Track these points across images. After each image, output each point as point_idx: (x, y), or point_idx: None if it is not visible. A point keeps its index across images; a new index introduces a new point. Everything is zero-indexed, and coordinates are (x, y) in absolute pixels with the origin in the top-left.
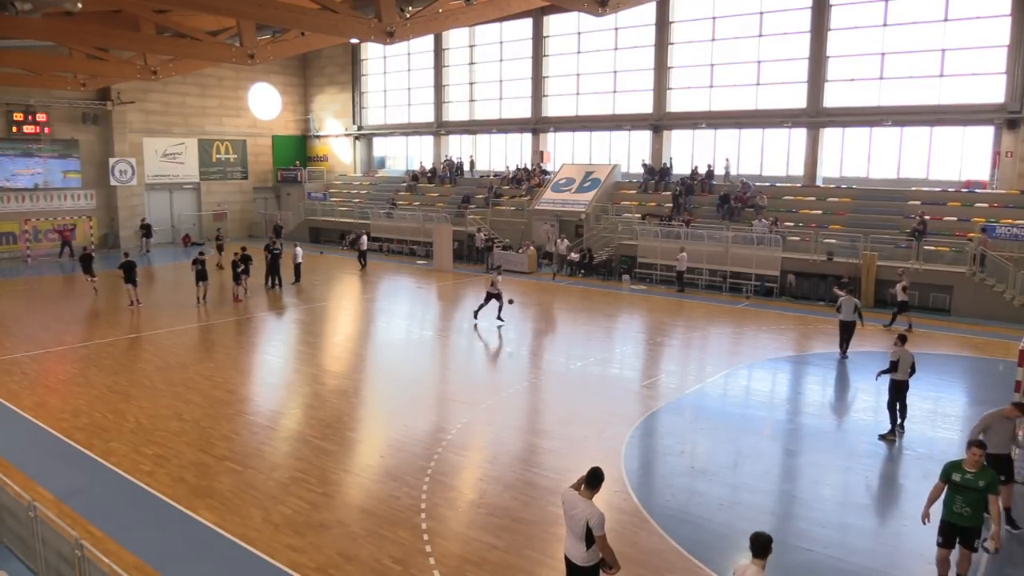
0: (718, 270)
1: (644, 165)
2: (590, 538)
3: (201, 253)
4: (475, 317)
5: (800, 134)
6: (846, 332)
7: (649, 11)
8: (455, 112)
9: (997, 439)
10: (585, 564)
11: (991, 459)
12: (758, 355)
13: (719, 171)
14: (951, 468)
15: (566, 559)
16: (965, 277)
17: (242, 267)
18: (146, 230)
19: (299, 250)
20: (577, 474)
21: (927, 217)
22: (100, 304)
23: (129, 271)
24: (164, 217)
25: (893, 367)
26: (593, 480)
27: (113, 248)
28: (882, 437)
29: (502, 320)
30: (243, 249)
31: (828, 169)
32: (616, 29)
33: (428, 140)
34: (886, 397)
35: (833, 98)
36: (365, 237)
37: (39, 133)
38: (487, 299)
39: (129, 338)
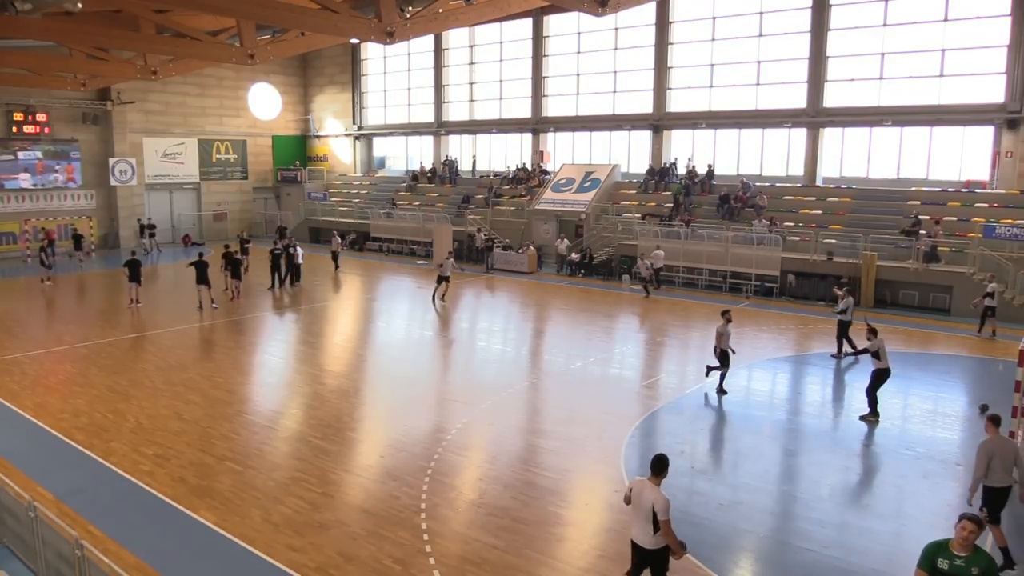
0: (718, 270)
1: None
2: (657, 522)
3: (200, 255)
4: (720, 392)
5: (800, 134)
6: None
7: (649, 11)
8: (455, 112)
9: (1000, 469)
10: (653, 547)
11: (993, 493)
12: (758, 355)
13: (681, 170)
14: (934, 552)
15: (633, 544)
16: (965, 277)
17: (245, 263)
18: (150, 230)
19: (299, 250)
20: (577, 474)
21: (921, 216)
22: (100, 304)
23: (134, 269)
24: (164, 217)
25: (876, 356)
26: (657, 466)
27: (113, 248)
28: (863, 418)
29: (725, 392)
30: (226, 247)
31: (828, 169)
32: (616, 29)
33: (428, 140)
34: (870, 388)
35: (833, 98)
36: (338, 238)
37: (39, 133)
38: (722, 359)
39: (129, 338)
